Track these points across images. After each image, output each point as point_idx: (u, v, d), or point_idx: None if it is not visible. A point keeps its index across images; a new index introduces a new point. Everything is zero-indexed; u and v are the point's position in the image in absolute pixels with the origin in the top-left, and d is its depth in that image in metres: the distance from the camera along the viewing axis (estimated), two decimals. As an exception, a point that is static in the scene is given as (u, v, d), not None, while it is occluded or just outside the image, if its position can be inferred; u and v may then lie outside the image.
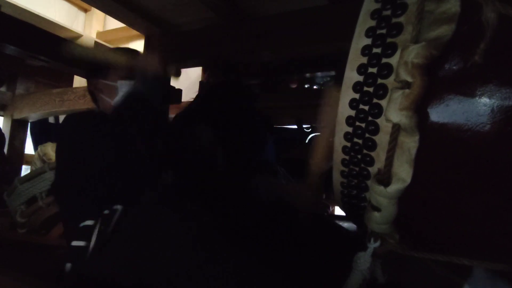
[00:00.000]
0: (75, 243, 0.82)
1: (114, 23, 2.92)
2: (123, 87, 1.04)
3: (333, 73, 2.63)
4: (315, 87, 2.79)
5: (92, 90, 1.11)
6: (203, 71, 2.22)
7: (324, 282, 0.75)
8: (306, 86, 2.81)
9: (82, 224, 0.83)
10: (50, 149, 2.22)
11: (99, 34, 2.97)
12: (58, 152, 1.01)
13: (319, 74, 2.68)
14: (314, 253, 0.91)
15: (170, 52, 1.91)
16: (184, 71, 2.84)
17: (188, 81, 2.80)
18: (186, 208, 0.78)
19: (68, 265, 0.83)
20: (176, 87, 2.04)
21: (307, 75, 2.73)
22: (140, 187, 0.90)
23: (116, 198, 0.84)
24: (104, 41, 2.86)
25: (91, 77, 1.10)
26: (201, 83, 2.17)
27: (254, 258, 0.69)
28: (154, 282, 0.71)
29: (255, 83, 2.71)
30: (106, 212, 0.82)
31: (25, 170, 2.70)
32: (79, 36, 2.69)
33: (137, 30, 2.01)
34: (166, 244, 0.72)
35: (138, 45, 2.41)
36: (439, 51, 0.51)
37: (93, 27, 2.95)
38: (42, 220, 1.63)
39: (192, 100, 1.83)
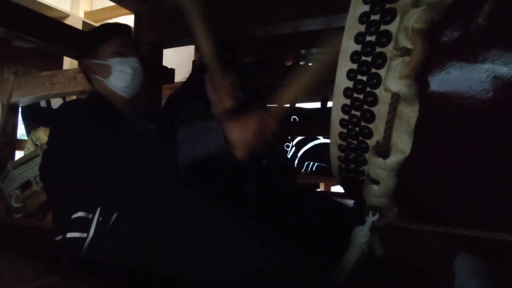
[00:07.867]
0: (70, 234, 0.81)
1: (101, 2, 2.83)
2: (115, 65, 1.01)
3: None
4: (310, 64, 2.75)
5: (85, 71, 1.08)
6: (196, 50, 2.16)
7: (322, 256, 0.75)
8: (301, 63, 2.77)
9: (74, 216, 0.82)
10: (43, 134, 2.18)
11: (86, 13, 2.88)
12: (57, 139, 0.94)
13: (314, 50, 2.62)
14: (312, 228, 0.91)
15: (160, 30, 1.85)
16: (174, 50, 2.76)
17: (178, 60, 2.74)
18: (192, 189, 0.77)
19: (66, 257, 0.83)
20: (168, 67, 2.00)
21: (302, 51, 2.67)
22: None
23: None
24: (92, 21, 2.77)
25: (81, 58, 1.06)
26: (194, 62, 2.11)
27: (256, 237, 0.69)
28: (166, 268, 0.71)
29: (249, 61, 2.66)
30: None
31: (18, 155, 2.67)
32: (66, 16, 2.60)
33: (126, 7, 1.94)
34: (175, 227, 0.71)
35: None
36: (440, 14, 0.48)
37: (81, 7, 2.86)
38: (38, 205, 1.61)
39: (185, 80, 1.78)
